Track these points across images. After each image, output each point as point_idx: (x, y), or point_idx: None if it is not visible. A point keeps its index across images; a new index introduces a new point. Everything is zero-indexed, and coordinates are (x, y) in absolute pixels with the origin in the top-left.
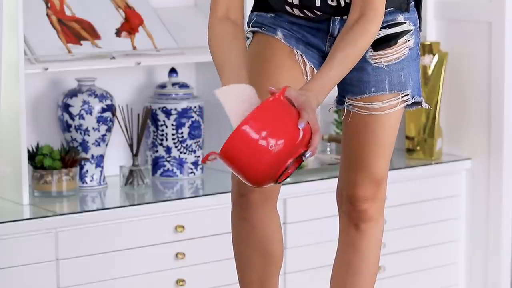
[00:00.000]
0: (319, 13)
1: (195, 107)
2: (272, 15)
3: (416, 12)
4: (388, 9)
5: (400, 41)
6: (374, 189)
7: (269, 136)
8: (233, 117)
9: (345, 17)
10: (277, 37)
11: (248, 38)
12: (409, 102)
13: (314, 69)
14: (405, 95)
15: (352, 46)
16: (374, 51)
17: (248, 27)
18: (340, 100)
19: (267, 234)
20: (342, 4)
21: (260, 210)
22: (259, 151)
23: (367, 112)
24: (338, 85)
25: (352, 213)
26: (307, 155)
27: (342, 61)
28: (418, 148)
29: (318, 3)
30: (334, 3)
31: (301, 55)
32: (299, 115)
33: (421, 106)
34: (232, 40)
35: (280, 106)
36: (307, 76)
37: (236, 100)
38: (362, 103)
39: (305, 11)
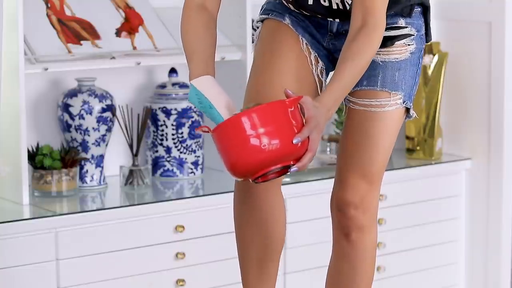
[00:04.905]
0: (312, 13)
1: (195, 107)
2: (278, 1)
3: (423, 19)
4: (389, 13)
5: (398, 43)
6: (363, 192)
7: (265, 135)
8: (219, 108)
9: (337, 20)
10: (285, 22)
11: (257, 28)
12: (400, 106)
13: (318, 58)
14: (397, 98)
15: (359, 56)
16: None
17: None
18: None
19: (267, 217)
20: (334, 6)
21: (263, 195)
22: (250, 145)
23: (358, 107)
24: None
25: (342, 220)
26: (292, 169)
27: (351, 72)
28: (418, 148)
29: (310, 2)
30: (326, 3)
31: (306, 43)
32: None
33: (410, 114)
34: (205, 30)
35: (288, 113)
36: (311, 64)
37: (214, 91)
38: (354, 97)
39: (300, 9)
